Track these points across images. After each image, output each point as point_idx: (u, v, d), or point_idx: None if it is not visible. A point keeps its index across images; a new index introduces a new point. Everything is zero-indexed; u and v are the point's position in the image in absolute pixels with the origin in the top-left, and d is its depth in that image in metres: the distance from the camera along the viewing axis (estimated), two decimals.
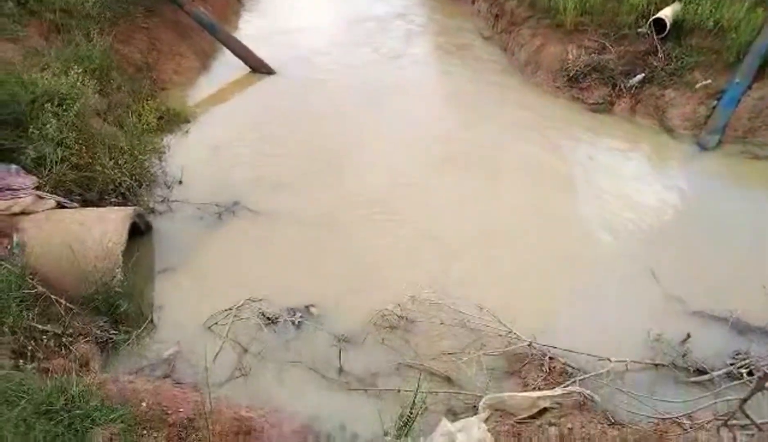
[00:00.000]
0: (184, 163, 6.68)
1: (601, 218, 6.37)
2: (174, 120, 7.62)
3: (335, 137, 7.69)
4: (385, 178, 6.87)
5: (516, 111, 8.60)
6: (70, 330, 4.29)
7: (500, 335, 4.84)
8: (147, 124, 7.04)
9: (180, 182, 6.43)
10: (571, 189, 6.92)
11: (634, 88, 8.41)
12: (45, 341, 4.12)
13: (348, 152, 7.35)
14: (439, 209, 6.45)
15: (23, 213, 4.82)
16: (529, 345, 4.74)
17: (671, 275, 5.55)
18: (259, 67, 9.38)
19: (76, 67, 6.88)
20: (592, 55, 8.92)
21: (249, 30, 11.13)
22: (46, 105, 5.84)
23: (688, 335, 4.87)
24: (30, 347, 4.00)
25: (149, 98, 7.68)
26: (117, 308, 4.63)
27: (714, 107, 7.83)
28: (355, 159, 7.22)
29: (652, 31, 8.83)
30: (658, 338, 4.88)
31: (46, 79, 6.21)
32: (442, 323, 4.96)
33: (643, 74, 8.45)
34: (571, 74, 8.88)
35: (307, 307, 5.10)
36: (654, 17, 8.82)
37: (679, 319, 5.10)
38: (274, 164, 7.03)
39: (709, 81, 8.11)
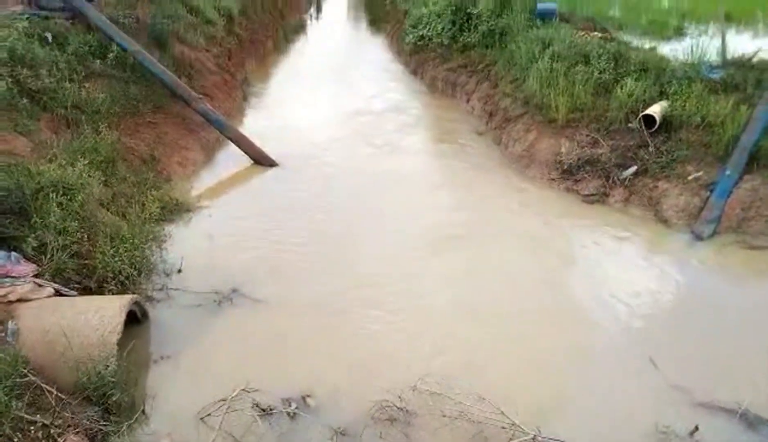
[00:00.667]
0: (184, 252, 6.73)
1: (600, 306, 6.34)
2: (176, 210, 7.76)
3: (334, 227, 7.82)
4: (383, 265, 6.92)
5: (511, 201, 8.78)
6: (59, 421, 4.16)
7: (503, 428, 4.69)
8: (150, 214, 7.17)
9: (179, 271, 6.45)
10: (569, 277, 6.94)
11: (627, 180, 8.61)
12: (32, 432, 3.99)
13: (346, 241, 7.45)
14: (437, 295, 6.45)
15: (20, 301, 4.80)
16: (533, 438, 4.58)
17: (673, 364, 5.47)
18: (261, 160, 9.66)
19: (82, 159, 7.09)
20: (585, 148, 9.21)
21: (253, 125, 11.54)
22: (51, 195, 5.95)
23: (696, 427, 4.73)
24: (16, 440, 3.87)
25: (153, 189, 7.85)
26: (109, 397, 4.52)
27: (707, 198, 7.99)
28: (354, 247, 7.30)
29: (642, 126, 9.17)
30: (666, 431, 4.73)
31: (53, 169, 6.37)
32: (443, 416, 4.82)
33: (635, 167, 8.68)
34: (564, 167, 9.13)
35: (303, 397, 4.97)
36: (643, 113, 9.18)
37: (685, 410, 4.97)
38: (273, 253, 7.10)
39: (700, 173, 8.32)
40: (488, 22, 13.73)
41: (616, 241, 7.71)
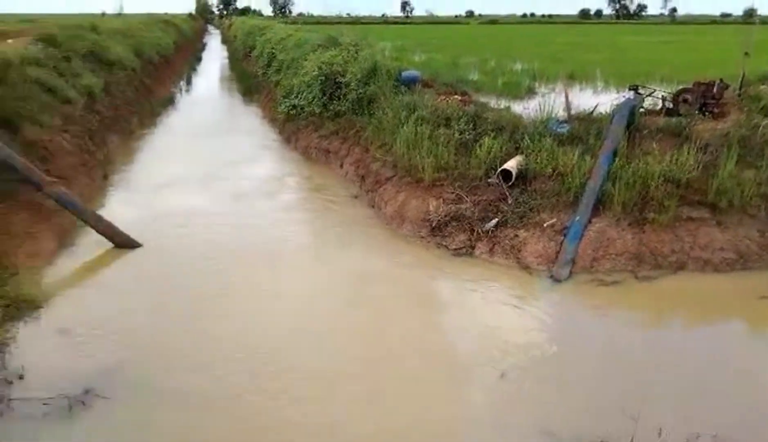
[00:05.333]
0: (31, 353, 6.11)
1: (474, 353, 6.51)
2: (24, 307, 7.05)
3: (204, 311, 7.38)
4: (257, 346, 6.64)
5: (386, 259, 8.93)
6: None
7: None
8: None
9: (21, 377, 5.79)
10: (442, 328, 7.12)
11: (490, 232, 9.03)
12: None
13: (219, 325, 7.05)
14: (313, 359, 6.36)
15: None
16: None
17: (544, 407, 5.64)
18: (123, 243, 9.14)
19: None
20: (450, 205, 9.61)
21: (115, 205, 11.01)
22: None
23: None
24: None
25: None
26: None
27: (562, 243, 8.53)
28: (227, 335, 6.86)
29: (500, 181, 9.72)
30: None
31: None
32: None
33: (496, 219, 9.15)
34: (433, 224, 9.44)
35: None
36: (501, 168, 9.76)
37: None
38: (134, 344, 6.57)
39: (554, 220, 8.91)
40: (356, 90, 14.22)
41: (483, 290, 7.99)
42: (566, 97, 12.27)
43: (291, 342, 6.76)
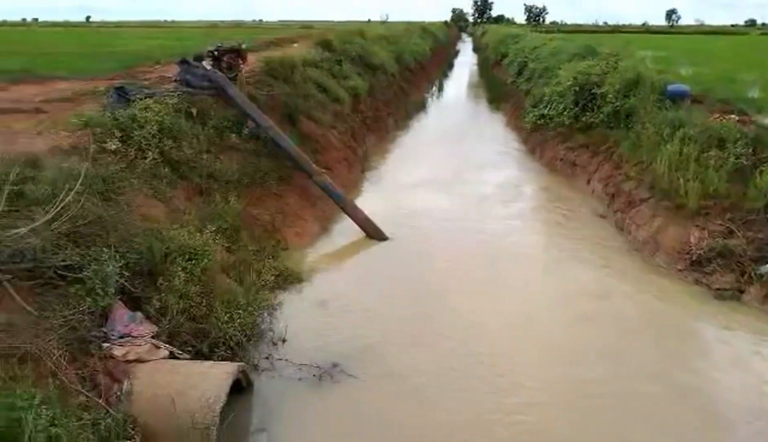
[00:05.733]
0: (291, 322, 6.87)
1: (741, 420, 5.63)
2: (290, 279, 8.02)
3: (445, 306, 7.64)
4: (495, 346, 6.67)
5: (630, 286, 8.28)
6: None
7: None
8: (265, 282, 7.46)
9: (284, 340, 6.57)
10: (703, 381, 6.26)
11: (766, 276, 7.77)
12: None
13: (458, 321, 7.24)
14: (560, 387, 6.10)
15: (138, 361, 5.09)
16: None
17: None
18: (374, 234, 9.85)
19: (210, 225, 7.58)
20: (717, 239, 8.48)
21: (368, 198, 11.91)
22: (177, 259, 6.36)
23: None
24: None
25: (271, 257, 8.21)
26: None
27: None
28: (466, 328, 7.07)
29: None
30: None
31: (182, 235, 6.83)
32: None
33: None
34: (693, 257, 8.44)
35: None
36: None
37: None
38: (379, 330, 7.06)
39: None
40: (613, 102, 13.39)
41: (754, 341, 6.91)
42: None
43: (510, 348, 6.71)
